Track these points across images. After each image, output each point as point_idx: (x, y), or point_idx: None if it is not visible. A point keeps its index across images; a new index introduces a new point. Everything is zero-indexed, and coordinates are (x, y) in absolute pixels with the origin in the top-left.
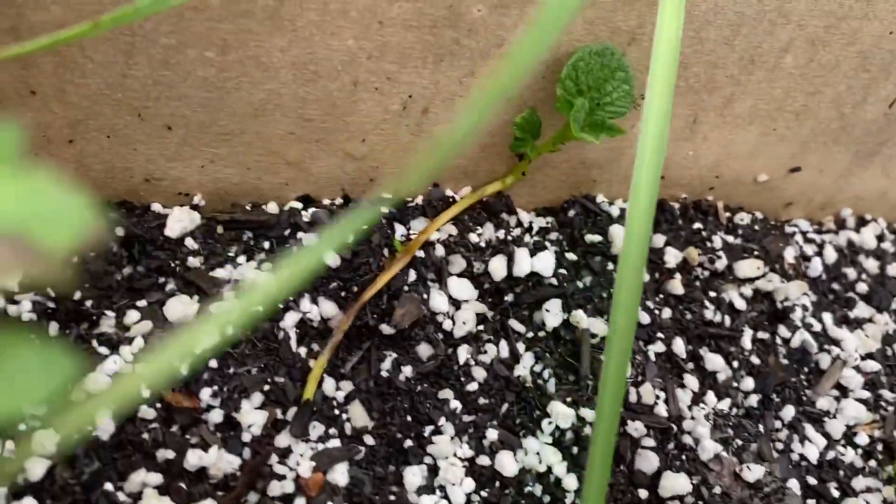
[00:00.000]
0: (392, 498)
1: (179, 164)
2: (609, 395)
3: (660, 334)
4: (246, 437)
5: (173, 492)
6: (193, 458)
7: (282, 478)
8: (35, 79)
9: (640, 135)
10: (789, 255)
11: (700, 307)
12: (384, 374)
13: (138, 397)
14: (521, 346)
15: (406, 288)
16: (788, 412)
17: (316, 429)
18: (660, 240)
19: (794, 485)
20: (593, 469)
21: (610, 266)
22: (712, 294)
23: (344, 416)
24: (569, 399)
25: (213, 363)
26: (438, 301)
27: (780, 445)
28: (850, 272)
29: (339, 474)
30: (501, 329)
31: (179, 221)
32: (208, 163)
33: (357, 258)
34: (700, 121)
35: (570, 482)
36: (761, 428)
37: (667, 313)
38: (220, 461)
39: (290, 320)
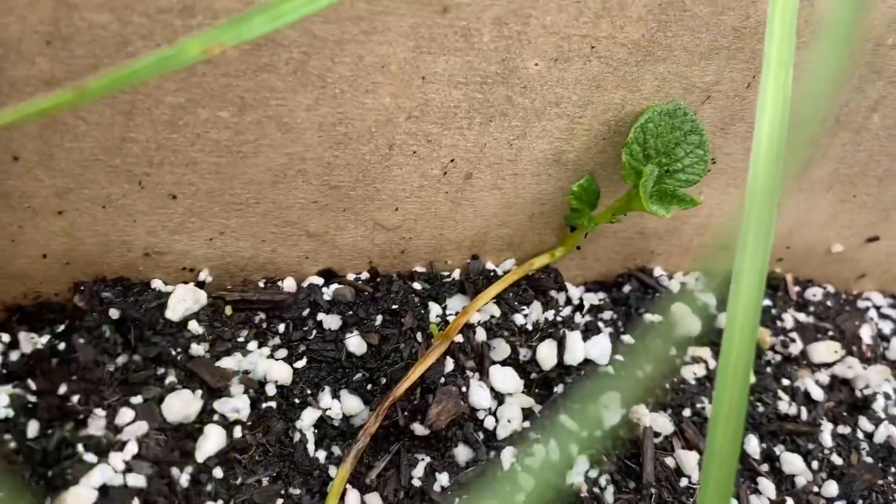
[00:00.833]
0: None
1: (185, 237)
2: None
3: None
4: None
5: None
6: None
7: None
8: (18, 142)
9: (744, 216)
10: (866, 334)
11: (773, 398)
12: (416, 482)
13: None
14: (573, 448)
15: (443, 380)
16: None
17: None
18: (725, 318)
19: None
20: None
21: (672, 351)
22: (786, 382)
23: None
24: None
25: (218, 472)
26: (479, 395)
27: None
28: None
29: None
30: (551, 427)
31: (182, 301)
32: (217, 235)
33: (386, 344)
34: None
35: None
36: None
37: None
38: None
39: (307, 419)
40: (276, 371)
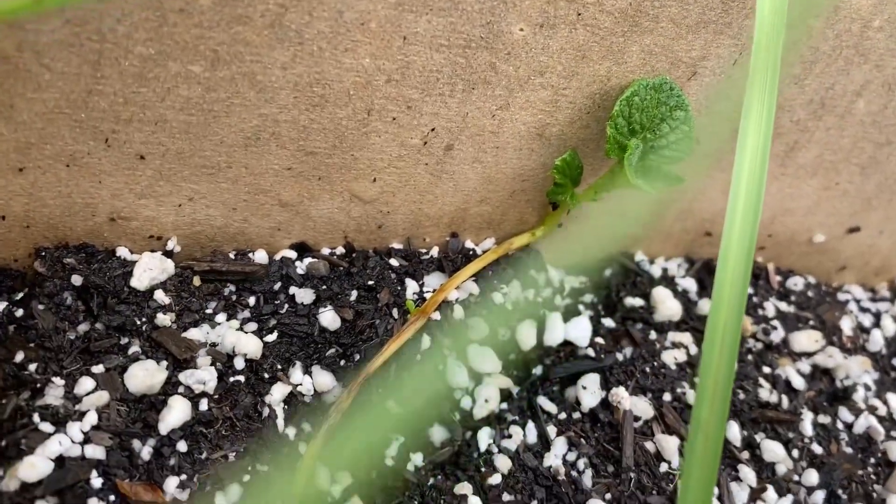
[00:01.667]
0: None
1: (152, 202)
2: None
3: None
4: None
5: None
6: None
7: None
8: None
9: (732, 189)
10: (846, 325)
11: (754, 385)
12: (389, 461)
13: (87, 488)
14: (551, 430)
15: (419, 356)
16: None
17: None
18: (706, 306)
19: None
20: None
21: (653, 335)
22: (766, 370)
23: None
24: (608, 496)
25: (182, 446)
26: (456, 374)
27: None
28: None
29: None
30: (529, 409)
31: (149, 270)
32: (187, 201)
33: (360, 319)
34: None
35: None
36: None
37: None
38: None
39: (277, 394)
40: (245, 344)
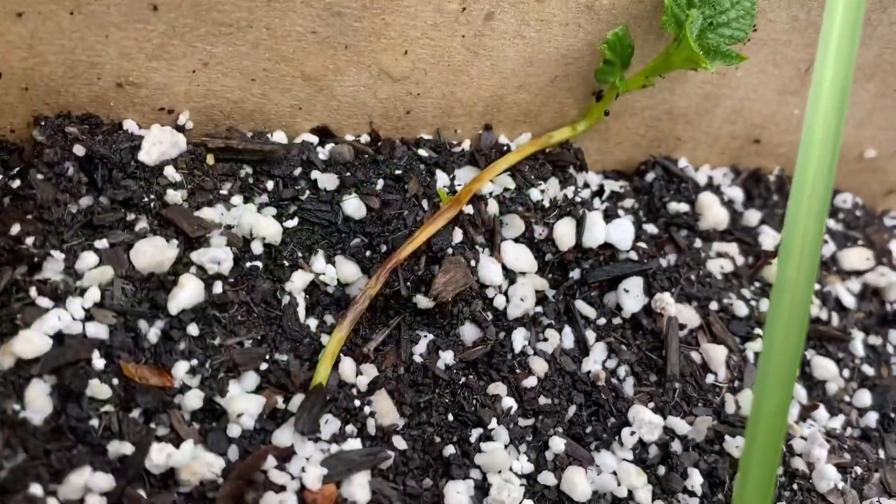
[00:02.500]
0: None
1: (163, 65)
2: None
3: (758, 330)
4: (233, 431)
5: (128, 501)
6: (159, 456)
7: (281, 489)
8: None
9: (814, 80)
10: (895, 249)
11: None
12: (418, 358)
13: (88, 368)
14: (590, 335)
15: (450, 251)
16: None
17: (329, 424)
18: (754, 216)
19: None
20: None
21: (698, 243)
22: (816, 286)
23: (366, 409)
24: (651, 405)
25: (194, 329)
26: (490, 270)
27: None
28: None
29: (358, 486)
30: (566, 312)
31: (158, 144)
32: (201, 66)
33: (388, 209)
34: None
35: None
36: (882, 454)
37: (764, 305)
38: (195, 462)
39: (298, 282)
40: (264, 227)
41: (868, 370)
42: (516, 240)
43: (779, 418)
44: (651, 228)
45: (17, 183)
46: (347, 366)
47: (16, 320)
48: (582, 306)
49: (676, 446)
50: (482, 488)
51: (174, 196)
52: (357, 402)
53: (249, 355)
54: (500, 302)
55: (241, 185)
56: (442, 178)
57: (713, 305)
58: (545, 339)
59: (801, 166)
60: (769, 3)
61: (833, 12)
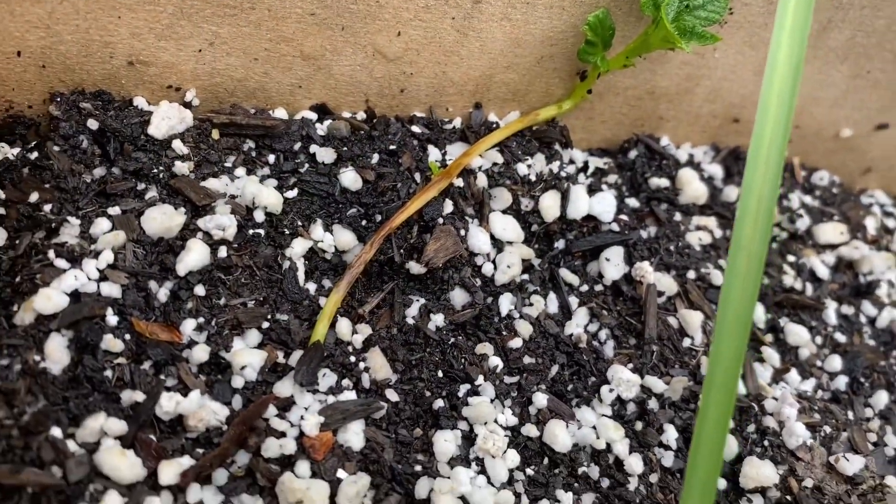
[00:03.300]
0: (418, 468)
1: (172, 45)
2: (721, 373)
3: None
4: (237, 383)
5: (140, 445)
6: (168, 404)
7: (281, 435)
8: None
9: (770, 52)
10: (870, 225)
11: (779, 272)
12: (410, 320)
13: (102, 324)
14: (573, 301)
15: (441, 220)
16: (881, 400)
17: (326, 378)
18: (732, 192)
19: (893, 483)
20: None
21: (678, 216)
22: (791, 258)
23: (361, 364)
24: (630, 366)
25: (200, 290)
26: (479, 239)
27: (872, 436)
28: None
29: (353, 434)
30: (551, 280)
31: (167, 119)
32: (207, 46)
33: (382, 181)
34: None
35: (635, 464)
36: (850, 415)
37: None
38: (202, 410)
39: (297, 248)
40: (266, 197)
41: (840, 337)
42: (504, 211)
43: (734, 363)
44: (633, 202)
45: (34, 155)
46: (344, 325)
47: (35, 280)
48: (566, 274)
49: (653, 404)
50: (469, 438)
51: (181, 167)
52: (352, 359)
53: (252, 314)
54: (488, 269)
55: (244, 158)
56: (434, 153)
57: (691, 274)
58: (531, 304)
59: (757, 134)
60: None
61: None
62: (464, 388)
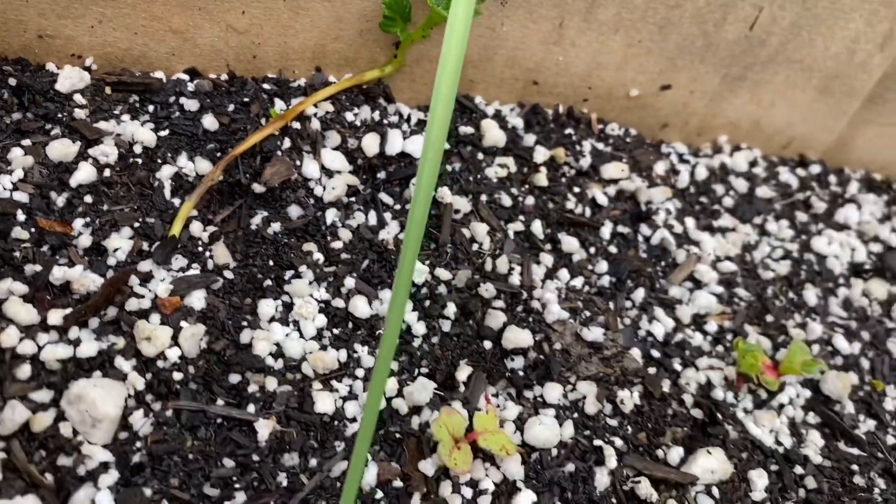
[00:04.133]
0: (244, 324)
1: (70, 23)
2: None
3: (521, 217)
4: (111, 262)
5: (37, 300)
6: (59, 273)
7: (140, 297)
8: None
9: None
10: (660, 167)
11: (562, 199)
12: (253, 227)
13: (13, 220)
14: (388, 216)
15: (279, 153)
16: (640, 295)
17: (178, 261)
18: (530, 139)
19: (636, 353)
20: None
21: (480, 156)
22: (576, 190)
23: (207, 253)
24: (427, 262)
25: (88, 199)
26: (311, 168)
27: (627, 321)
28: (719, 188)
29: (196, 299)
30: (372, 201)
31: (69, 78)
32: (97, 23)
33: (235, 124)
34: (566, 25)
35: (419, 328)
36: (611, 305)
37: (530, 201)
38: (84, 278)
39: (166, 172)
40: (142, 135)
41: (613, 250)
42: (334, 149)
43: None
44: (444, 145)
45: None
46: (196, 227)
47: None
48: (384, 197)
49: (442, 289)
50: (289, 307)
51: (79, 113)
52: (200, 249)
53: (126, 217)
54: (318, 191)
55: (129, 108)
56: (279, 105)
57: (483, 198)
58: (353, 218)
59: (437, 81)
60: None
61: None
62: (289, 274)
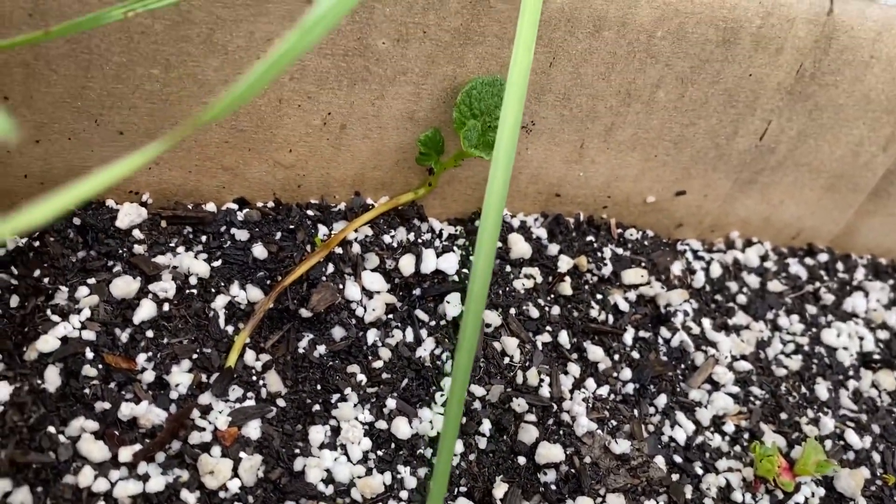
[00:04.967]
0: (297, 451)
1: None
2: (467, 342)
3: (548, 328)
4: (173, 395)
5: (107, 437)
6: (126, 410)
7: (202, 429)
8: (7, 86)
9: (495, 148)
10: (676, 268)
11: (586, 307)
12: (301, 350)
13: (83, 358)
14: (424, 333)
15: (324, 278)
16: (662, 400)
17: (235, 391)
18: (554, 249)
19: (660, 461)
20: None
21: (508, 268)
22: (599, 297)
23: (261, 382)
24: None
25: (150, 333)
26: (353, 290)
27: (651, 428)
28: (733, 286)
29: (253, 429)
30: (408, 318)
31: (128, 215)
32: (154, 165)
33: (282, 252)
34: (587, 146)
35: (458, 447)
36: (636, 412)
37: (555, 311)
38: (149, 413)
39: (220, 302)
40: (197, 267)
41: (635, 355)
42: (373, 270)
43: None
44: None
45: (37, 243)
46: (250, 355)
47: (38, 330)
48: (419, 313)
49: (476, 405)
50: (336, 431)
51: (138, 249)
52: (255, 378)
53: (185, 349)
54: (360, 312)
55: (183, 240)
56: (322, 230)
57: (513, 311)
58: (392, 336)
59: (488, 196)
60: (541, 107)
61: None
62: (335, 397)
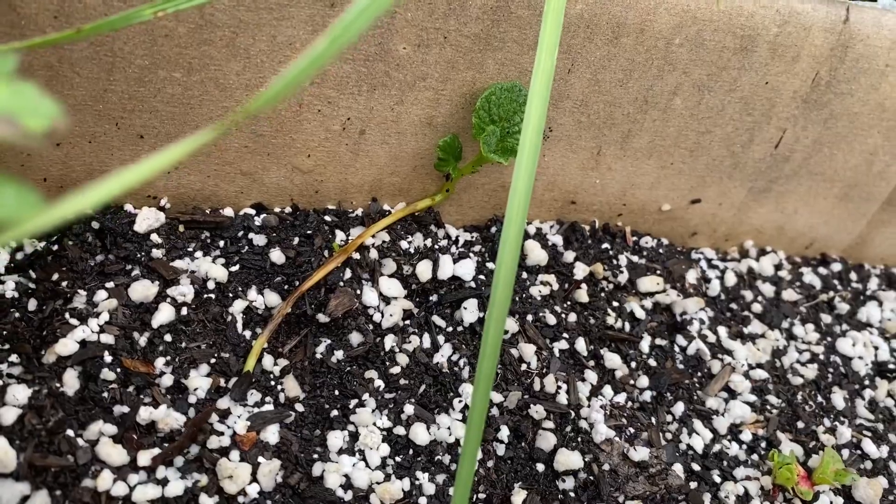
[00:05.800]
0: (315, 456)
1: None
2: (489, 349)
3: (565, 335)
4: (192, 400)
5: (126, 441)
6: (145, 414)
7: (220, 434)
8: None
9: (518, 155)
10: (691, 276)
11: (603, 314)
12: (318, 356)
13: (101, 361)
14: (441, 339)
15: (341, 283)
16: (679, 408)
17: (253, 396)
18: (570, 256)
19: (678, 469)
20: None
21: (524, 275)
22: (615, 304)
23: (279, 387)
24: None
25: (168, 337)
26: (370, 296)
27: (668, 436)
28: (748, 294)
29: (271, 434)
30: (425, 324)
31: (147, 219)
32: (173, 170)
33: (300, 257)
34: (603, 153)
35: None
36: (653, 420)
37: (572, 318)
38: (168, 417)
39: (238, 307)
40: (215, 272)
41: (652, 363)
42: (390, 276)
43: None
44: (490, 265)
45: (56, 247)
46: (268, 360)
47: (57, 333)
48: (436, 319)
49: (494, 411)
50: (354, 437)
51: (157, 253)
52: (273, 383)
53: (203, 353)
54: (377, 318)
55: (201, 244)
56: (340, 235)
57: (529, 318)
58: (409, 342)
59: (510, 204)
60: (558, 114)
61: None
62: (353, 402)
